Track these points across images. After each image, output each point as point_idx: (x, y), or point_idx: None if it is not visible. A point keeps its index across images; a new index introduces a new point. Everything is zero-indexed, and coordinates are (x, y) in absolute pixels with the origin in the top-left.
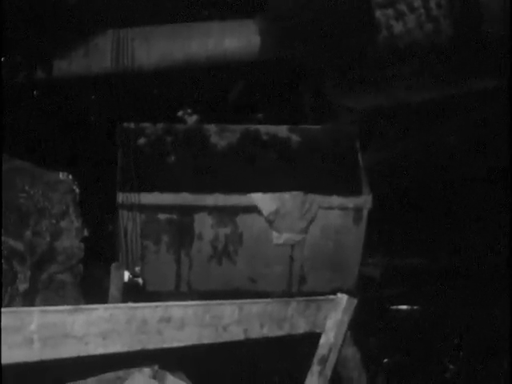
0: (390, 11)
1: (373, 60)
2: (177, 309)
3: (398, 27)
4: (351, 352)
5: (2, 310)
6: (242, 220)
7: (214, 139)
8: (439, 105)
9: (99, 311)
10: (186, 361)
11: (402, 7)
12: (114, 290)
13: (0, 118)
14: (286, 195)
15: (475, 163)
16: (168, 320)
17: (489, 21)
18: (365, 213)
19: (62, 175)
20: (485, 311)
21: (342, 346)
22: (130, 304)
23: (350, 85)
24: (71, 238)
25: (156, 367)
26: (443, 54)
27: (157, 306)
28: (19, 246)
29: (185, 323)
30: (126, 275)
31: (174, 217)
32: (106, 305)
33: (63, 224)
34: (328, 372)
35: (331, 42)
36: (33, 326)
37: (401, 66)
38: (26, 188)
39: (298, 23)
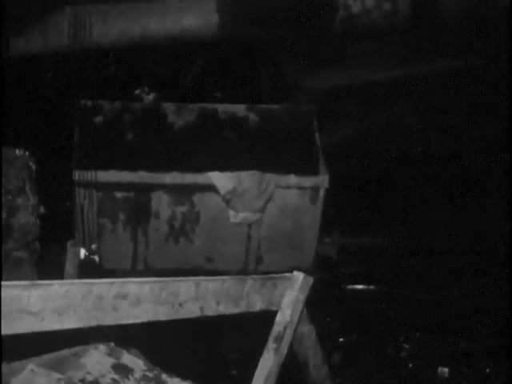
0: None
1: (331, 39)
2: (133, 285)
3: (356, 7)
4: (307, 330)
5: None
6: (199, 199)
7: (171, 118)
8: (397, 84)
9: (55, 287)
10: (142, 338)
11: None
12: (69, 267)
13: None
14: (244, 174)
15: (433, 144)
16: (124, 296)
17: (445, 1)
18: (322, 192)
19: (18, 151)
20: (440, 291)
21: (297, 323)
22: (87, 280)
23: (308, 64)
24: (27, 215)
25: (112, 344)
26: (401, 34)
27: (113, 282)
28: None
29: (141, 300)
30: (82, 253)
31: (131, 195)
32: (62, 280)
33: (19, 200)
34: (284, 349)
35: (290, 21)
36: None
37: (359, 46)
38: None
39: (257, 2)
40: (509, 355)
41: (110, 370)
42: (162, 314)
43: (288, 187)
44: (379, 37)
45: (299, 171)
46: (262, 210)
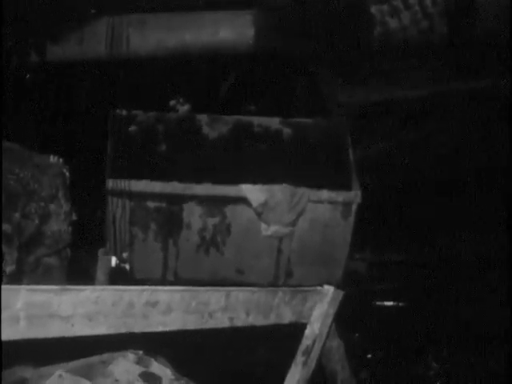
0: (385, 7)
1: (367, 55)
2: (163, 293)
3: (393, 23)
4: (336, 345)
5: None
6: (231, 210)
7: (205, 129)
8: (432, 102)
9: (86, 292)
10: (169, 347)
11: (398, 4)
12: (100, 274)
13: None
14: (276, 187)
15: (465, 161)
16: (154, 304)
17: (484, 20)
18: (354, 208)
19: (52, 158)
20: (470, 309)
21: (326, 337)
22: (117, 286)
23: (343, 79)
24: (60, 222)
25: (140, 352)
26: (437, 52)
27: (144, 290)
28: (7, 227)
29: (171, 308)
30: (114, 261)
31: (163, 205)
32: (93, 286)
33: (52, 207)
34: (312, 363)
35: (326, 36)
36: (19, 305)
37: (395, 62)
38: (16, 170)
39: (293, 16)
40: None
41: (138, 378)
42: (192, 323)
43: (320, 202)
44: (415, 54)
45: (332, 186)
46: (294, 223)
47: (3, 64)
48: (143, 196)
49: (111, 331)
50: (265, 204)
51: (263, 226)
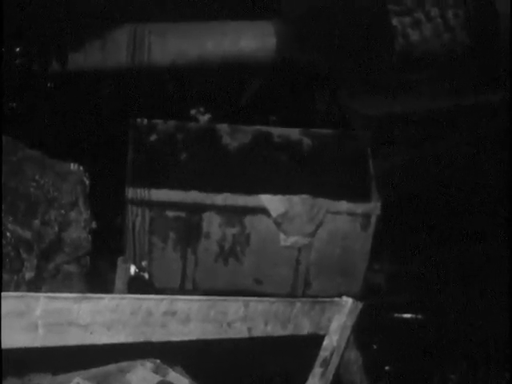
0: (406, 19)
1: (388, 67)
2: (182, 303)
3: (414, 35)
4: (354, 356)
5: (9, 294)
6: (250, 221)
7: (225, 139)
8: (453, 114)
9: (105, 301)
10: (187, 357)
11: (419, 16)
12: (119, 283)
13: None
14: (295, 198)
15: (485, 175)
16: (173, 313)
17: (506, 31)
18: (373, 219)
19: (72, 166)
20: (488, 322)
21: (344, 349)
22: (136, 295)
23: (363, 90)
24: (79, 230)
25: (157, 361)
26: (459, 64)
27: (162, 299)
28: (27, 234)
29: (189, 317)
30: (133, 269)
31: (183, 214)
32: (112, 295)
33: (72, 215)
34: (330, 375)
35: (347, 47)
36: (38, 312)
37: (416, 74)
38: (36, 177)
39: (315, 27)
40: None
41: None
42: (210, 332)
43: (339, 213)
44: (437, 66)
45: (351, 197)
46: (313, 234)
47: (4, 66)
48: (163, 205)
49: (129, 340)
50: (284, 214)
51: (282, 236)
